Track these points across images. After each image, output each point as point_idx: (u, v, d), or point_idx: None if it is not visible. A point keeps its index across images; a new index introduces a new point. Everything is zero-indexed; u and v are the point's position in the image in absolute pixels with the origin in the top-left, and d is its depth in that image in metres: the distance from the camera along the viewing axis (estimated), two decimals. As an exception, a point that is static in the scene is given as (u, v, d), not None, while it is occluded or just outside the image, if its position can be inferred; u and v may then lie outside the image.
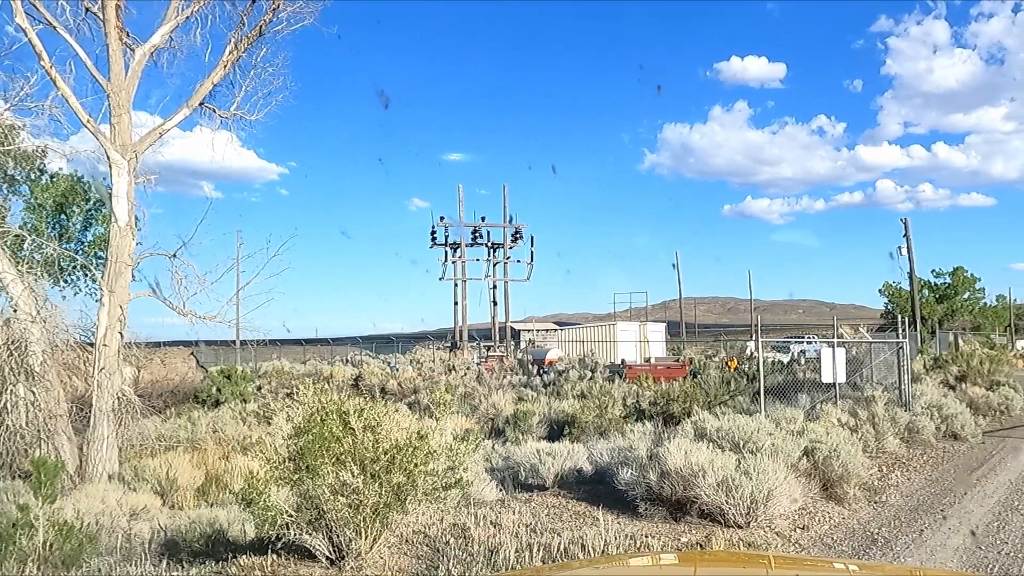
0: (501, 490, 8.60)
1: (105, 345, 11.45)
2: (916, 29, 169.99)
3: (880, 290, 52.92)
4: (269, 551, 5.50)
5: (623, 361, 32.16)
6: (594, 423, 16.40)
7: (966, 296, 54.47)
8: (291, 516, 5.29)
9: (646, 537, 6.38)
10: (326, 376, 28.32)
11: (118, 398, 11.50)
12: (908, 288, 40.39)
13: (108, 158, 11.78)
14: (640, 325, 43.41)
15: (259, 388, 26.31)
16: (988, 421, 15.28)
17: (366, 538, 5.33)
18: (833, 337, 16.04)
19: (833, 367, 14.16)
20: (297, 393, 5.92)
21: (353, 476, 5.25)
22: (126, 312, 11.79)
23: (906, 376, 15.47)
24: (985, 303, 57.53)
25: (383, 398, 22.45)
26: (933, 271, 53.94)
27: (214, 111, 13.15)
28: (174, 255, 12.46)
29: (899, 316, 21.15)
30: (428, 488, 5.55)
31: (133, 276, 12.38)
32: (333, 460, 5.27)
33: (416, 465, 5.44)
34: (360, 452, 5.35)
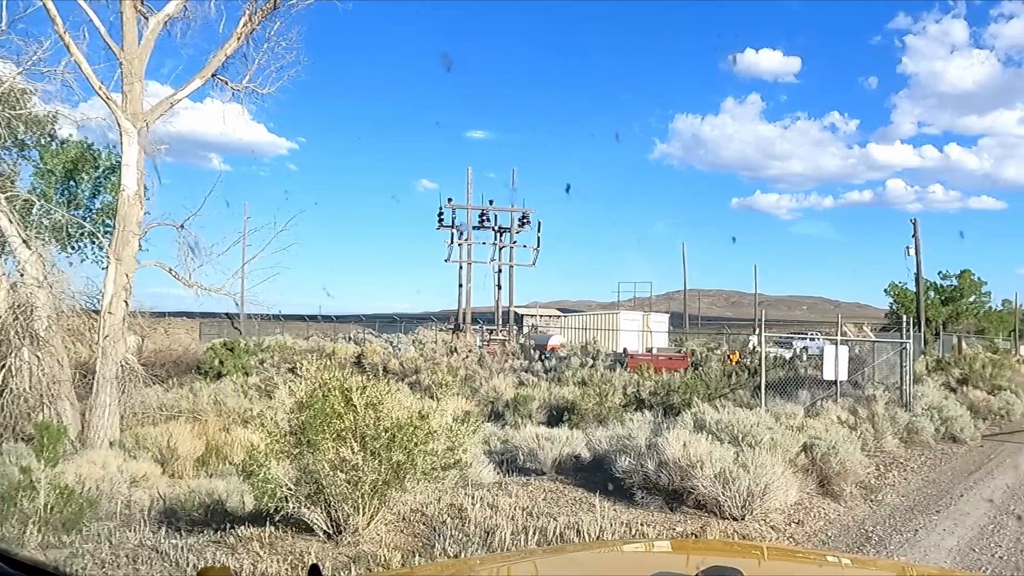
0: (499, 473, 8.63)
1: (110, 313, 11.50)
2: (934, 28, 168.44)
3: (886, 290, 52.73)
4: (267, 523, 5.55)
5: (625, 350, 32.16)
6: (594, 411, 16.43)
7: (972, 299, 54.24)
8: (290, 490, 5.33)
9: (641, 525, 6.42)
10: (328, 353, 28.39)
11: (121, 366, 11.56)
12: (914, 289, 40.27)
13: (119, 126, 11.78)
14: (643, 315, 43.38)
15: (261, 362, 26.41)
16: (988, 425, 15.28)
17: (364, 514, 5.37)
18: (836, 335, 16.03)
19: (835, 365, 14.16)
20: (300, 368, 5.95)
21: (353, 453, 5.28)
22: (132, 281, 11.83)
23: (908, 377, 15.45)
24: (991, 307, 57.33)
25: (384, 377, 22.54)
26: (940, 273, 53.70)
27: (226, 83, 13.12)
28: (181, 226, 12.50)
29: (904, 316, 21.10)
30: (427, 468, 5.58)
31: (140, 245, 12.42)
32: (334, 436, 5.30)
33: (416, 444, 5.47)
34: (361, 429, 5.38)
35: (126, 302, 11.77)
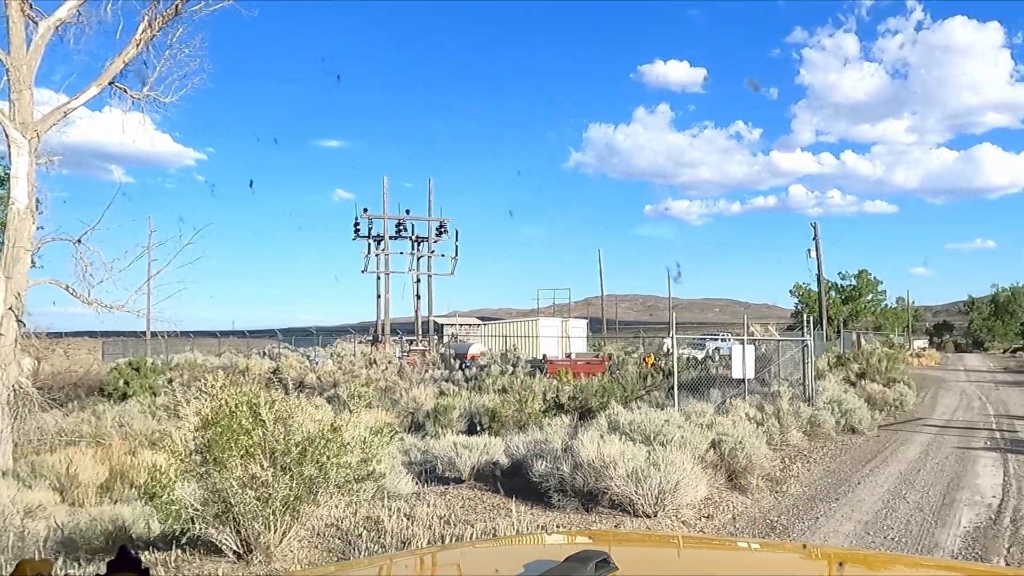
0: (418, 483, 8.59)
1: (0, 335, 10.85)
2: (828, 41, 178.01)
3: (791, 291, 55.34)
4: (173, 546, 5.36)
5: (544, 356, 32.48)
6: (514, 417, 16.54)
7: (869, 298, 57.50)
8: (197, 510, 5.17)
9: (557, 527, 6.52)
10: (242, 369, 27.58)
11: (14, 390, 10.91)
12: (816, 289, 42.27)
13: (7, 136, 11.15)
14: (562, 321, 43.94)
15: (170, 381, 25.37)
16: (883, 416, 16.18)
17: (275, 531, 5.26)
18: (744, 335, 16.69)
19: (743, 363, 14.73)
20: (206, 385, 5.78)
21: (263, 469, 5.17)
22: (23, 299, 11.19)
23: (810, 373, 16.24)
24: (886, 305, 60.85)
25: (301, 392, 22.02)
26: (840, 273, 56.74)
27: (125, 91, 12.60)
28: (79, 240, 11.89)
29: (806, 315, 22.15)
30: (341, 481, 5.51)
31: (33, 262, 11.76)
32: (242, 453, 5.17)
33: (329, 458, 5.40)
34: (271, 444, 5.27)
35: (19, 322, 11.12)
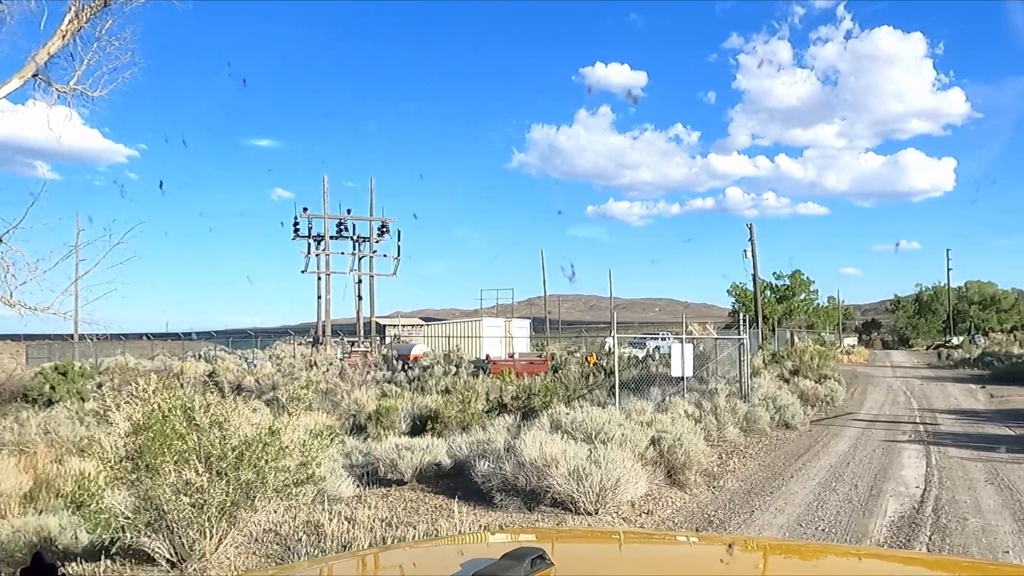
0: (359, 486, 8.50)
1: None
2: (763, 48, 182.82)
3: (728, 290, 56.65)
4: (103, 557, 5.17)
5: (487, 357, 32.51)
6: (457, 418, 16.48)
7: (802, 297, 59.25)
8: (128, 518, 5.00)
9: (499, 527, 6.53)
10: (176, 372, 26.81)
11: (-71, 397, 10.36)
12: (752, 289, 43.39)
13: (-80, 130, 10.58)
14: (505, 321, 44.05)
15: (99, 385, 24.48)
16: (816, 411, 16.73)
17: (211, 538, 5.13)
18: (683, 334, 17.02)
19: (682, 362, 15.02)
20: (137, 388, 5.59)
21: (198, 474, 5.03)
22: (-61, 302, 10.64)
23: (746, 370, 16.68)
24: (818, 304, 62.84)
25: (239, 395, 21.52)
26: (775, 273, 58.32)
27: (50, 84, 12.08)
28: (-1, 240, 11.36)
29: (742, 314, 22.73)
30: (279, 485, 5.42)
31: (-51, 262, 11.17)
32: (176, 458, 5.03)
33: (267, 462, 5.30)
34: (206, 449, 5.14)
35: (-67, 325, 10.57)
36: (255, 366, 30.97)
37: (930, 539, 6.78)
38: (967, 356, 39.02)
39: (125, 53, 12.32)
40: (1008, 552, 6.31)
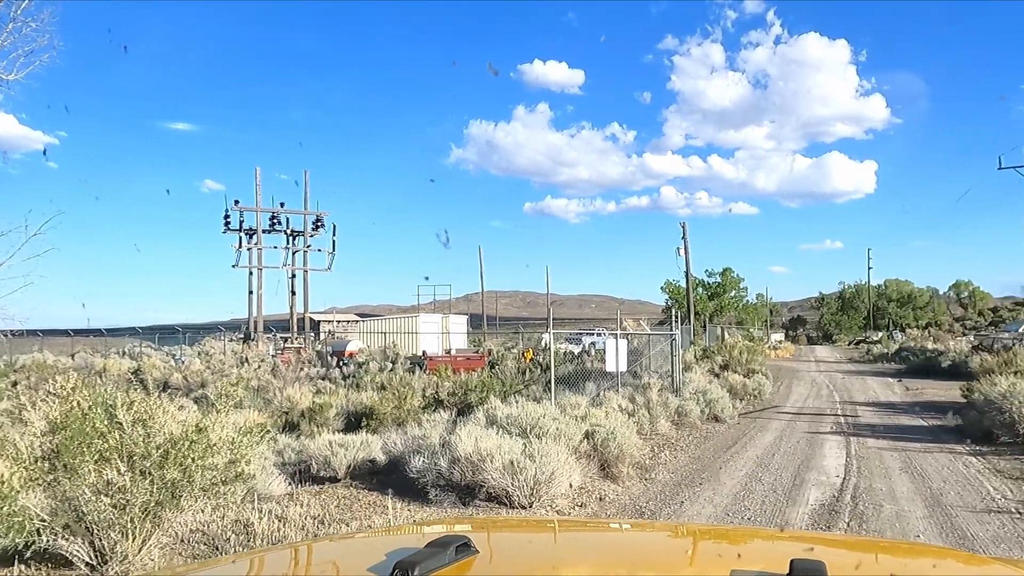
0: (291, 484, 8.35)
1: None
2: (697, 50, 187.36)
3: (662, 287, 57.85)
4: (16, 561, 4.95)
5: (424, 352, 32.34)
6: (392, 414, 16.35)
7: (733, 294, 60.96)
8: (44, 521, 4.79)
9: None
10: (98, 370, 25.78)
11: None
12: (685, 286, 44.34)
13: None
14: (443, 317, 43.88)
15: (14, 384, 23.32)
16: (744, 404, 17.23)
17: (134, 540, 4.96)
18: (617, 330, 17.30)
19: (616, 357, 15.26)
20: (55, 386, 5.36)
21: (120, 474, 4.86)
22: None
23: (678, 365, 17.05)
24: (748, 301, 64.74)
25: (165, 393, 20.82)
26: (706, 271, 59.83)
27: (-40, 66, 11.44)
28: (-98, 230, 10.70)
29: (675, 311, 23.22)
30: (207, 484, 5.27)
31: None
32: (96, 458, 4.84)
33: (193, 460, 5.15)
34: (129, 448, 4.97)
35: None
36: (183, 363, 30.04)
37: (848, 525, 7.08)
38: (886, 351, 40.80)
39: (42, 35, 11.76)
40: (919, 536, 6.64)
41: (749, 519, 7.36)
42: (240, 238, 40.21)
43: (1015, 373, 14.34)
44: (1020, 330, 40.68)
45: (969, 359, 25.34)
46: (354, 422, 16.64)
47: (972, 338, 41.35)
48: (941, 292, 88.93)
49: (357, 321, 50.62)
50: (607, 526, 3.54)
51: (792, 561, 1.24)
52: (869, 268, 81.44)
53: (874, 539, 5.40)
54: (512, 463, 7.10)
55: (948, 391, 19.22)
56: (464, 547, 1.34)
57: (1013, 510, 7.49)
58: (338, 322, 48.80)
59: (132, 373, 26.91)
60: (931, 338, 45.05)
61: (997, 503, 7.80)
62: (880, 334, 62.17)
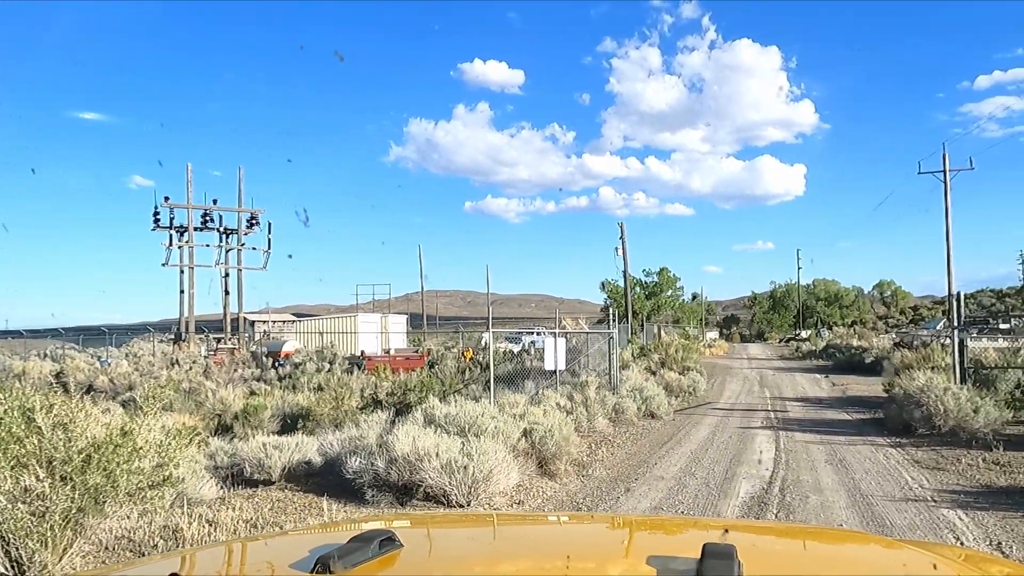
0: (223, 487, 8.15)
1: None
2: (635, 53, 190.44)
3: (601, 286, 58.57)
4: (-77, 575, 4.69)
5: (363, 352, 31.98)
6: (330, 415, 16.12)
7: (669, 293, 62.17)
8: (-46, 531, 4.56)
9: (371, 523, 6.46)
10: (17, 373, 24.65)
11: None
12: (623, 285, 45.00)
13: None
14: (382, 317, 43.46)
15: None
16: (679, 401, 17.61)
17: (54, 548, 4.76)
18: (556, 329, 17.45)
19: (555, 356, 15.40)
20: (-32, 389, 5.10)
21: (38, 480, 4.66)
22: None
23: (616, 363, 17.30)
24: (684, 300, 66.14)
25: (90, 396, 20.03)
26: (644, 271, 60.86)
27: None
28: None
29: (613, 310, 23.54)
30: (133, 488, 5.10)
31: None
32: (12, 463, 4.63)
33: (118, 464, 4.98)
34: (48, 453, 4.77)
35: None
36: (109, 365, 28.97)
37: (776, 516, 7.31)
38: (814, 348, 42.25)
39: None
40: (842, 525, 6.91)
41: (682, 512, 7.53)
42: (171, 236, 39.01)
43: (932, 369, 15.05)
44: (937, 328, 42.68)
45: (891, 356, 26.47)
46: (290, 424, 16.34)
47: (894, 335, 43.22)
48: (866, 291, 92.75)
49: (294, 321, 49.69)
50: (545, 519, 3.58)
51: (704, 545, 1.29)
52: (799, 268, 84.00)
53: (787, 524, 5.61)
54: (450, 462, 7.09)
55: (871, 386, 20.06)
56: (388, 541, 1.34)
57: (928, 498, 7.86)
58: (274, 322, 47.80)
59: (54, 376, 25.82)
60: (856, 336, 46.85)
61: (914, 492, 8.18)
62: (809, 332, 64.35)
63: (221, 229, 40.61)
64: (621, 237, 40.39)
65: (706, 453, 10.86)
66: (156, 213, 38.71)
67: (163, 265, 39.29)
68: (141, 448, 5.18)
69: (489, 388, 14.05)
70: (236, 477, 8.90)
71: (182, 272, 39.57)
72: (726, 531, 1.66)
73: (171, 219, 38.87)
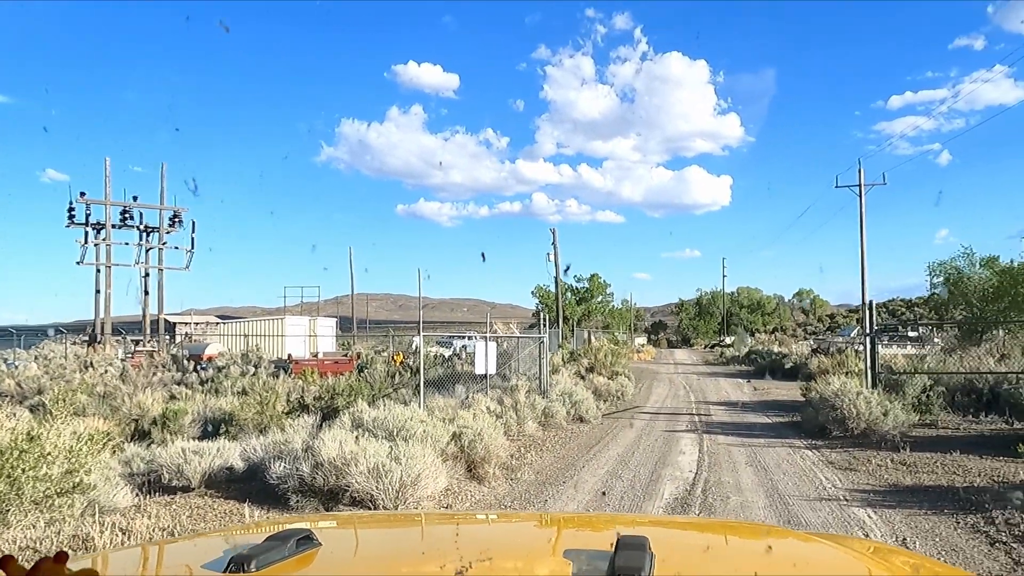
0: (139, 495, 7.84)
1: None
2: (569, 62, 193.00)
3: (532, 292, 58.97)
4: None
5: (290, 356, 31.29)
6: (254, 420, 15.69)
7: (600, 299, 63.08)
8: None
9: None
10: (-86, 376, 23.12)
11: None
12: (554, 290, 45.43)
13: None
14: (310, 320, 42.63)
15: None
16: (608, 405, 17.87)
17: (-50, 561, 4.49)
18: (487, 333, 17.46)
19: (486, 360, 15.40)
20: None
21: (-66, 488, 4.39)
22: None
23: (546, 368, 17.41)
24: (614, 306, 67.23)
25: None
26: (575, 276, 61.56)
27: None
28: None
29: (544, 315, 23.72)
30: (39, 496, 4.87)
31: None
32: (-95, 471, 4.36)
33: (24, 471, 4.75)
34: (-54, 459, 4.50)
35: None
36: (16, 368, 27.50)
37: (698, 515, 7.50)
38: (737, 354, 43.57)
39: None
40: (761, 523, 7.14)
41: (608, 514, 7.63)
42: (86, 233, 37.33)
43: (846, 374, 15.73)
44: (852, 335, 44.62)
45: (809, 361, 27.51)
46: (213, 429, 15.83)
47: (812, 342, 44.95)
48: (786, 299, 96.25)
49: (217, 323, 48.23)
50: (471, 518, 3.59)
51: (618, 537, 1.32)
52: (724, 276, 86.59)
53: (701, 519, 5.77)
54: (378, 466, 7.01)
55: (790, 391, 20.80)
56: (306, 540, 1.32)
57: (841, 497, 8.20)
58: (196, 324, 46.30)
59: (-45, 379, 24.33)
60: (777, 342, 48.54)
61: (828, 492, 8.52)
62: (732, 338, 66.28)
63: (142, 227, 39.09)
64: (553, 243, 40.81)
65: (632, 456, 11.05)
66: (71, 209, 36.99)
67: (78, 263, 37.54)
68: (49, 454, 4.95)
69: (419, 392, 13.96)
70: (154, 484, 8.58)
71: (98, 271, 37.92)
72: (642, 526, 1.71)
73: (87, 215, 37.21)
